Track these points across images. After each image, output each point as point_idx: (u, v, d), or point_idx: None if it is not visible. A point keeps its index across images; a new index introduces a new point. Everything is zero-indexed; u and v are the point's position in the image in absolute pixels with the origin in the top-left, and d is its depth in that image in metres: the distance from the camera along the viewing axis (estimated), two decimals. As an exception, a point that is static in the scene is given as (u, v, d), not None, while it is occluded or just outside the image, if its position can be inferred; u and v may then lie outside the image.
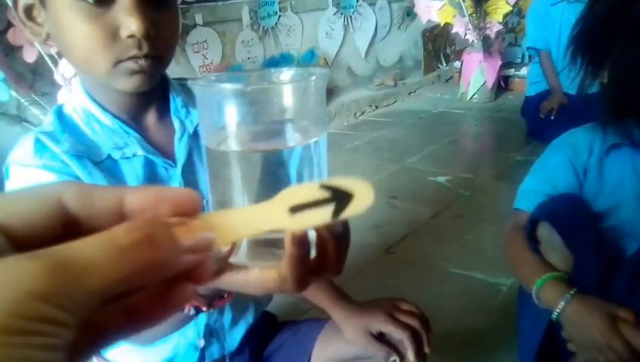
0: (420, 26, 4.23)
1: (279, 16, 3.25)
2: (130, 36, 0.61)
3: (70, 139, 0.68)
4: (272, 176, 0.35)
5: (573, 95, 2.67)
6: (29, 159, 0.66)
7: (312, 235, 0.34)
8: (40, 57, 2.04)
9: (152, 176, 0.71)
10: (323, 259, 0.35)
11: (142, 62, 0.64)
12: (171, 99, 0.75)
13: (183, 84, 0.78)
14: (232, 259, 0.36)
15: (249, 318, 0.87)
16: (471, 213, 2.14)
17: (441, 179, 2.51)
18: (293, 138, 0.36)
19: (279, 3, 3.22)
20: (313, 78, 0.35)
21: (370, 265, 1.79)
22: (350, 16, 3.75)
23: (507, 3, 3.55)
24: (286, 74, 0.39)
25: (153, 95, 0.73)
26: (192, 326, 0.78)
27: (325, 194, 0.24)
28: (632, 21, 0.89)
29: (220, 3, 2.94)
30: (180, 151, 0.73)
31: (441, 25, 3.93)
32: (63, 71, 1.96)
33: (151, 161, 0.72)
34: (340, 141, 3.15)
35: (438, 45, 4.59)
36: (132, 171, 0.71)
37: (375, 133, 3.32)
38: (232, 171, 0.35)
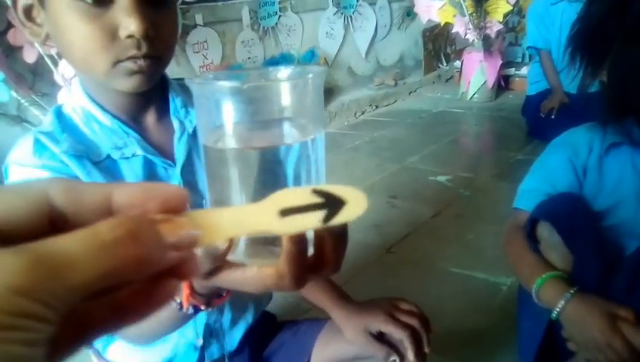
0: (420, 25, 4.23)
1: (279, 16, 3.26)
2: (129, 36, 0.61)
3: (69, 139, 0.68)
4: (269, 174, 0.35)
5: (573, 94, 2.67)
6: (28, 159, 0.66)
7: (310, 233, 0.34)
8: (40, 58, 2.04)
9: (151, 176, 0.72)
10: (321, 257, 0.35)
11: (141, 62, 0.64)
12: (170, 99, 0.75)
13: (182, 84, 0.78)
14: (230, 257, 0.36)
15: (249, 318, 0.87)
16: (471, 213, 2.13)
17: (441, 178, 2.51)
18: (290, 135, 0.36)
19: (279, 3, 3.22)
20: (310, 75, 0.35)
21: (371, 264, 1.79)
22: (350, 16, 3.76)
23: (507, 2, 3.55)
24: (284, 72, 0.39)
25: (152, 95, 0.73)
26: (192, 326, 0.78)
27: (317, 200, 0.24)
28: (630, 20, 0.89)
29: (220, 3, 2.95)
30: (180, 151, 0.73)
31: (442, 24, 3.93)
32: (63, 71, 1.96)
33: (150, 161, 0.72)
34: (340, 141, 3.15)
35: (439, 45, 4.59)
36: (131, 171, 0.71)
37: (375, 132, 3.32)
38: (230, 169, 0.35)
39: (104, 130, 0.70)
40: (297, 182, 0.36)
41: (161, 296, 0.23)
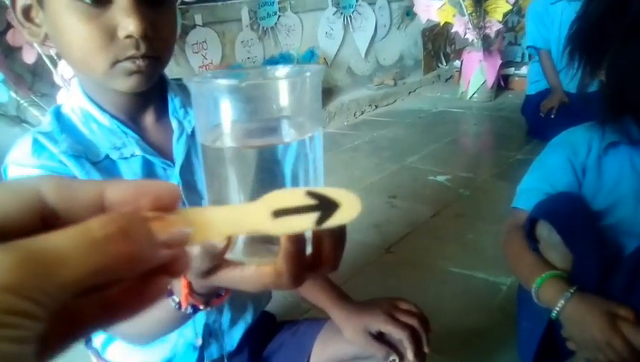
0: (419, 25, 4.23)
1: (279, 16, 3.25)
2: (128, 36, 0.61)
3: (68, 139, 0.68)
4: (267, 173, 0.35)
5: (573, 94, 2.67)
6: (26, 159, 0.66)
7: (308, 232, 0.34)
8: (39, 58, 2.04)
9: (150, 177, 0.71)
10: (319, 255, 0.35)
11: (139, 62, 0.64)
12: (169, 99, 0.75)
13: (181, 84, 0.78)
14: (228, 256, 0.36)
15: (248, 318, 0.87)
16: (471, 212, 2.13)
17: (441, 178, 2.51)
18: (288, 134, 0.36)
19: (279, 3, 3.22)
20: (308, 73, 0.35)
21: (370, 264, 1.78)
22: (350, 16, 3.76)
23: (507, 2, 3.55)
24: (282, 71, 0.39)
25: (151, 95, 0.73)
26: (191, 326, 0.78)
27: (311, 202, 0.24)
28: (628, 19, 0.89)
29: (219, 3, 2.95)
30: (178, 151, 0.73)
31: (441, 24, 3.93)
32: (63, 72, 1.96)
33: (149, 162, 0.72)
34: (340, 140, 3.15)
35: (438, 44, 4.59)
36: (130, 171, 0.71)
37: (375, 132, 3.32)
38: (228, 168, 0.35)
39: (103, 130, 0.70)
40: (295, 180, 0.36)
41: (153, 293, 0.23)
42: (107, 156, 0.70)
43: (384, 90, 3.97)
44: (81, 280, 0.19)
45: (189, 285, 0.47)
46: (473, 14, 3.60)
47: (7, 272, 0.18)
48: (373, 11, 3.93)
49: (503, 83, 4.00)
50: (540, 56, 2.92)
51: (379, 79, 4.02)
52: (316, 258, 0.35)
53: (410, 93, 4.21)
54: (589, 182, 1.04)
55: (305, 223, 0.24)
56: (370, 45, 3.98)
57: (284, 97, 0.35)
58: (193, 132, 0.74)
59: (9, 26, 2.01)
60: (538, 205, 1.02)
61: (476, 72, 3.77)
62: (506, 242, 1.12)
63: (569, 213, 0.98)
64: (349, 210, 0.24)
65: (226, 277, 0.38)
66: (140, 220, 0.22)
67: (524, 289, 1.05)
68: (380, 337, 0.83)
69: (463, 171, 2.60)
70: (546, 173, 1.08)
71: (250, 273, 0.37)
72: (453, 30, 3.85)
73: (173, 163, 0.73)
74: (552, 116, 2.75)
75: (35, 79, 2.19)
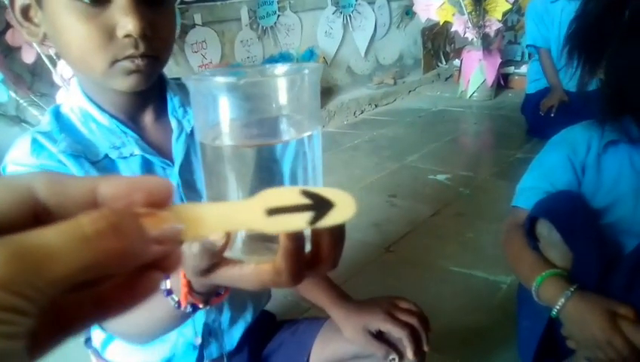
0: (419, 24, 4.23)
1: (278, 15, 3.25)
2: (127, 36, 0.61)
3: (67, 138, 0.68)
4: (266, 172, 0.35)
5: (573, 92, 2.67)
6: (25, 158, 0.66)
7: (308, 230, 0.34)
8: (39, 58, 2.04)
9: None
10: (318, 254, 0.35)
11: (138, 61, 0.64)
12: (168, 98, 0.75)
13: (180, 84, 0.78)
14: (227, 254, 0.36)
15: (248, 317, 0.87)
16: (471, 211, 2.13)
17: (441, 177, 2.51)
18: (287, 132, 0.36)
19: (278, 2, 3.22)
20: (306, 71, 0.35)
21: (370, 263, 1.78)
22: (349, 15, 3.76)
23: (506, 1, 3.55)
24: (281, 69, 0.39)
25: (150, 95, 0.73)
26: (190, 325, 0.78)
27: (305, 201, 0.24)
28: (627, 18, 0.89)
29: (218, 3, 2.94)
30: (178, 150, 0.73)
31: (441, 23, 3.92)
32: (62, 72, 1.96)
33: (148, 161, 0.72)
34: (339, 140, 3.15)
35: (438, 43, 4.59)
36: (129, 171, 0.71)
37: (375, 131, 3.32)
38: (226, 166, 0.35)
39: (102, 129, 0.70)
40: (294, 179, 0.36)
41: (145, 289, 0.23)
42: (106, 155, 0.70)
43: (384, 89, 3.97)
44: (72, 275, 0.19)
45: (189, 284, 0.47)
46: (473, 13, 3.60)
47: None
48: (373, 10, 3.93)
49: (502, 82, 4.00)
50: (540, 54, 2.92)
51: (378, 78, 4.02)
52: (315, 256, 0.35)
53: (409, 92, 4.21)
54: (588, 181, 1.03)
55: (299, 222, 0.24)
56: (369, 44, 3.98)
57: (282, 95, 0.35)
58: (192, 131, 0.74)
59: (8, 25, 2.01)
60: (538, 204, 1.02)
61: (476, 71, 3.77)
62: (506, 241, 1.12)
63: (569, 211, 0.98)
64: (343, 211, 0.24)
65: (225, 276, 0.38)
66: (131, 216, 0.21)
67: (524, 288, 1.05)
68: (379, 336, 0.83)
69: (462, 170, 2.60)
70: (546, 171, 1.08)
71: (249, 271, 0.37)
72: (452, 29, 3.85)
73: (173, 162, 0.73)
74: (552, 115, 2.75)
75: (34, 79, 2.19)
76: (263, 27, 3.19)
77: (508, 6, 3.57)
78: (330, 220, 0.24)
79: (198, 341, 0.80)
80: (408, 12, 4.19)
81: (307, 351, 0.91)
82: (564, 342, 0.97)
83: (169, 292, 0.52)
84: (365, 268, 1.75)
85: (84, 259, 0.19)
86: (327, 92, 3.63)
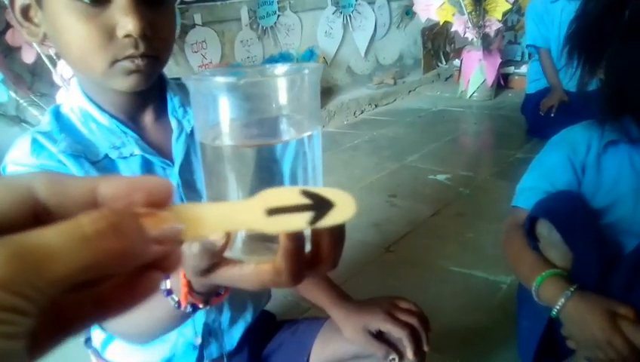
0: (419, 24, 4.23)
1: (278, 15, 3.26)
2: (127, 36, 0.61)
3: (67, 138, 0.68)
4: (266, 172, 0.35)
5: (573, 92, 2.67)
6: (25, 159, 0.66)
7: (308, 230, 0.34)
8: (39, 58, 2.04)
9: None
10: (318, 254, 0.35)
11: (138, 61, 0.64)
12: (168, 98, 0.75)
13: (180, 84, 0.78)
14: (227, 254, 0.36)
15: (248, 317, 0.87)
16: (471, 211, 2.13)
17: (441, 177, 2.51)
18: (287, 132, 0.36)
19: (278, 2, 3.22)
20: (306, 71, 0.35)
21: (370, 263, 1.78)
22: (349, 15, 3.76)
23: (506, 1, 3.55)
24: (281, 69, 0.39)
25: (150, 95, 0.73)
26: (190, 325, 0.78)
27: (305, 201, 0.24)
28: (627, 18, 0.89)
29: (218, 3, 2.94)
30: (178, 150, 0.73)
31: (441, 23, 3.93)
32: (62, 72, 1.96)
33: (148, 161, 0.72)
34: (339, 140, 3.15)
35: (438, 43, 4.59)
36: (129, 171, 0.71)
37: (375, 131, 3.32)
38: (226, 167, 0.35)
39: (102, 129, 0.70)
40: (294, 179, 0.36)
41: (145, 289, 0.23)
42: (106, 155, 0.70)
43: (384, 89, 3.97)
44: (72, 275, 0.19)
45: (189, 284, 0.47)
46: (473, 13, 3.60)
47: None
48: (373, 10, 3.93)
49: (502, 82, 4.00)
50: (540, 54, 2.92)
51: (378, 78, 4.02)
52: (315, 256, 0.35)
53: (409, 92, 4.21)
54: (588, 181, 1.03)
55: (298, 222, 0.24)
56: (369, 44, 3.98)
57: (282, 95, 0.35)
58: (192, 131, 0.74)
59: (8, 25, 2.01)
60: (538, 204, 1.02)
61: (476, 71, 3.77)
62: (506, 241, 1.12)
63: (569, 211, 0.98)
64: (343, 211, 0.24)
65: (225, 276, 0.38)
66: (131, 216, 0.21)
67: (524, 288, 1.05)
68: (379, 336, 0.83)
69: (462, 170, 2.60)
70: (546, 171, 1.08)
71: (249, 271, 0.37)
72: (452, 29, 3.85)
73: (173, 162, 0.73)
74: (552, 115, 2.75)
75: (34, 79, 2.19)
76: (263, 27, 3.19)
77: (508, 6, 3.57)
78: (330, 220, 0.24)
79: (198, 341, 0.80)
80: (408, 12, 4.19)
81: (307, 351, 0.91)
82: (564, 342, 0.97)
83: (169, 292, 0.52)
84: (365, 268, 1.75)
85: (84, 259, 0.19)
86: (327, 92, 3.63)
